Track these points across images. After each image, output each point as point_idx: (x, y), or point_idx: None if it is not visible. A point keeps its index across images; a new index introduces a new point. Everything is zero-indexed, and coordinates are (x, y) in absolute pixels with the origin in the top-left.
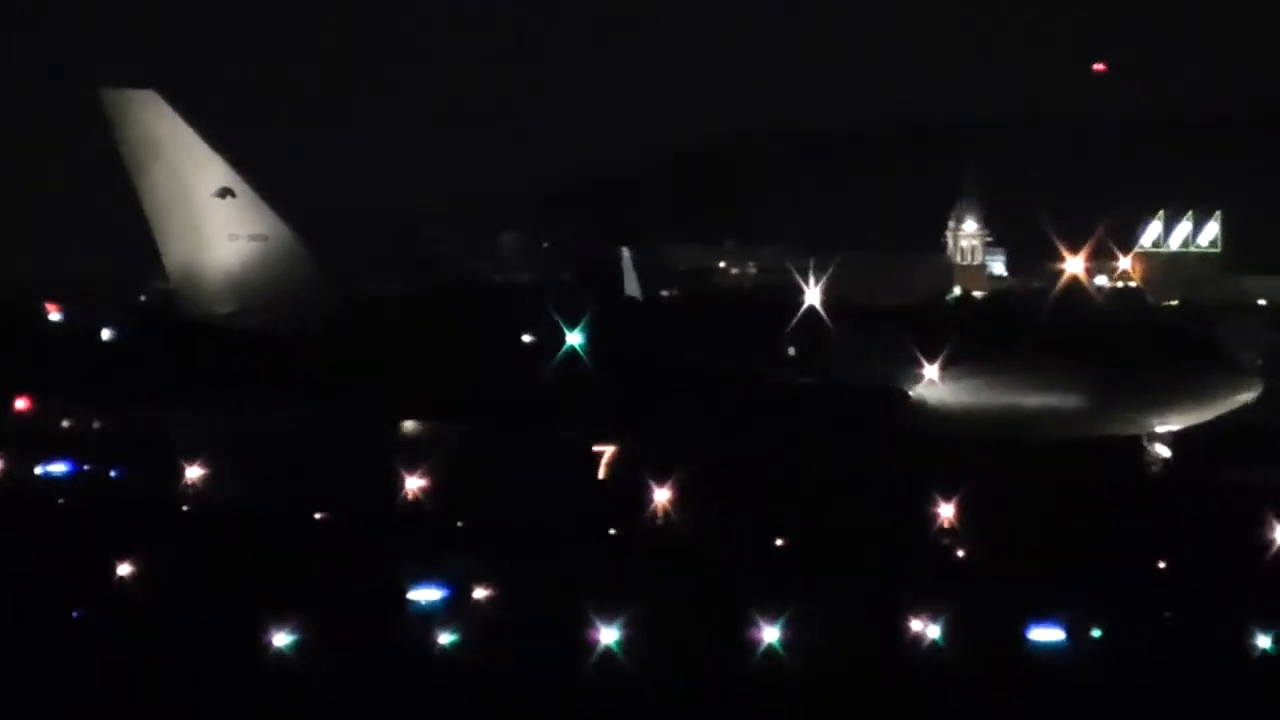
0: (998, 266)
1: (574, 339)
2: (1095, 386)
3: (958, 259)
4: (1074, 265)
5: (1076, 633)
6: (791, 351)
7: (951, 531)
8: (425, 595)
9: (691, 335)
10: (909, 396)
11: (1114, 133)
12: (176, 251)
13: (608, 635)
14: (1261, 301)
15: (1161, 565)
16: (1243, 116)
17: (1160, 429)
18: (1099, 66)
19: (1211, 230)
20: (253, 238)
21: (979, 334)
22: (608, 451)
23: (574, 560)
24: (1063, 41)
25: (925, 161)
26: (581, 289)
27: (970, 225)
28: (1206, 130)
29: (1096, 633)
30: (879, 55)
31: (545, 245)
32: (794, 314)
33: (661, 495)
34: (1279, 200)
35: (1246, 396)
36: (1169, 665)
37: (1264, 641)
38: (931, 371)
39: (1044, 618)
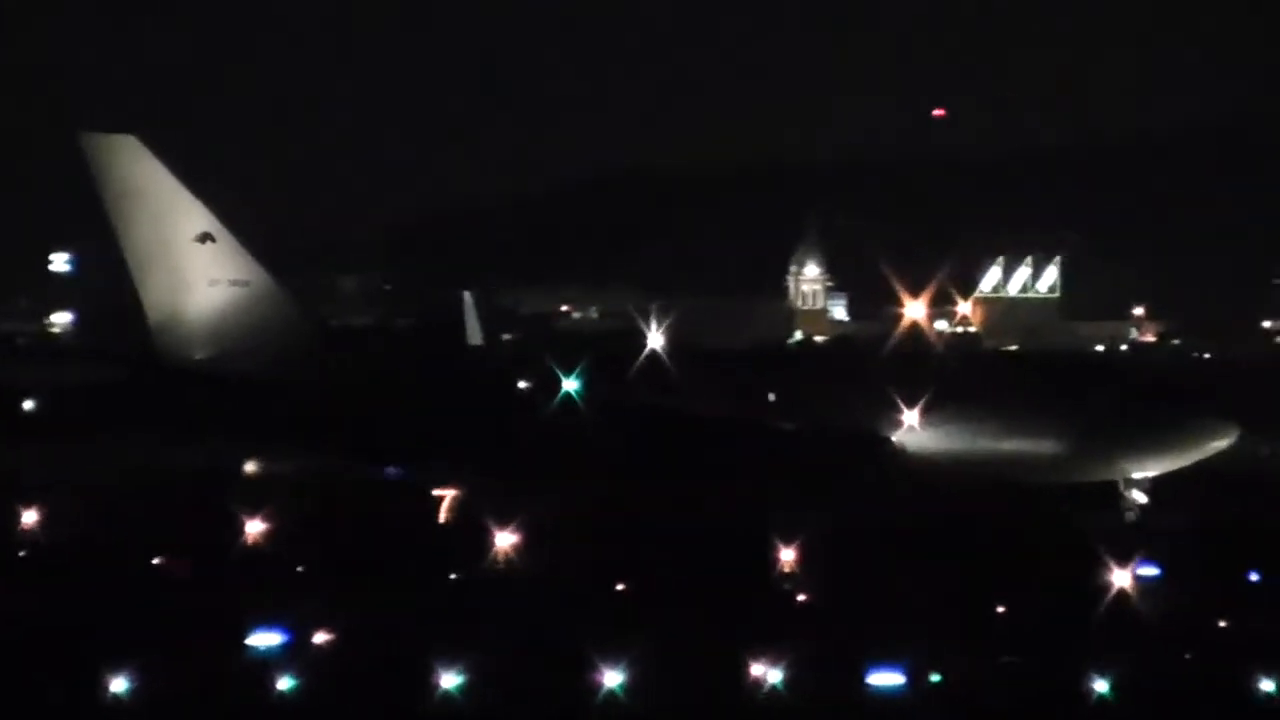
0: (839, 311)
1: (570, 385)
2: (1075, 433)
3: (799, 303)
4: (914, 310)
5: (915, 677)
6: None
7: (795, 576)
8: (264, 639)
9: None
10: (892, 443)
11: (955, 178)
12: (157, 296)
13: (447, 680)
14: (1099, 347)
15: (1002, 609)
16: (1085, 163)
17: (1138, 475)
18: (939, 112)
19: (1050, 275)
20: (233, 283)
21: (960, 381)
22: (449, 495)
23: (415, 603)
24: (909, 88)
25: (769, 205)
26: (422, 334)
27: (811, 270)
28: (1046, 177)
29: (935, 677)
30: (732, 100)
31: (387, 288)
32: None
33: (504, 539)
34: (1115, 247)
35: (1223, 443)
36: (1005, 710)
37: (1101, 686)
38: (912, 418)
39: (884, 662)
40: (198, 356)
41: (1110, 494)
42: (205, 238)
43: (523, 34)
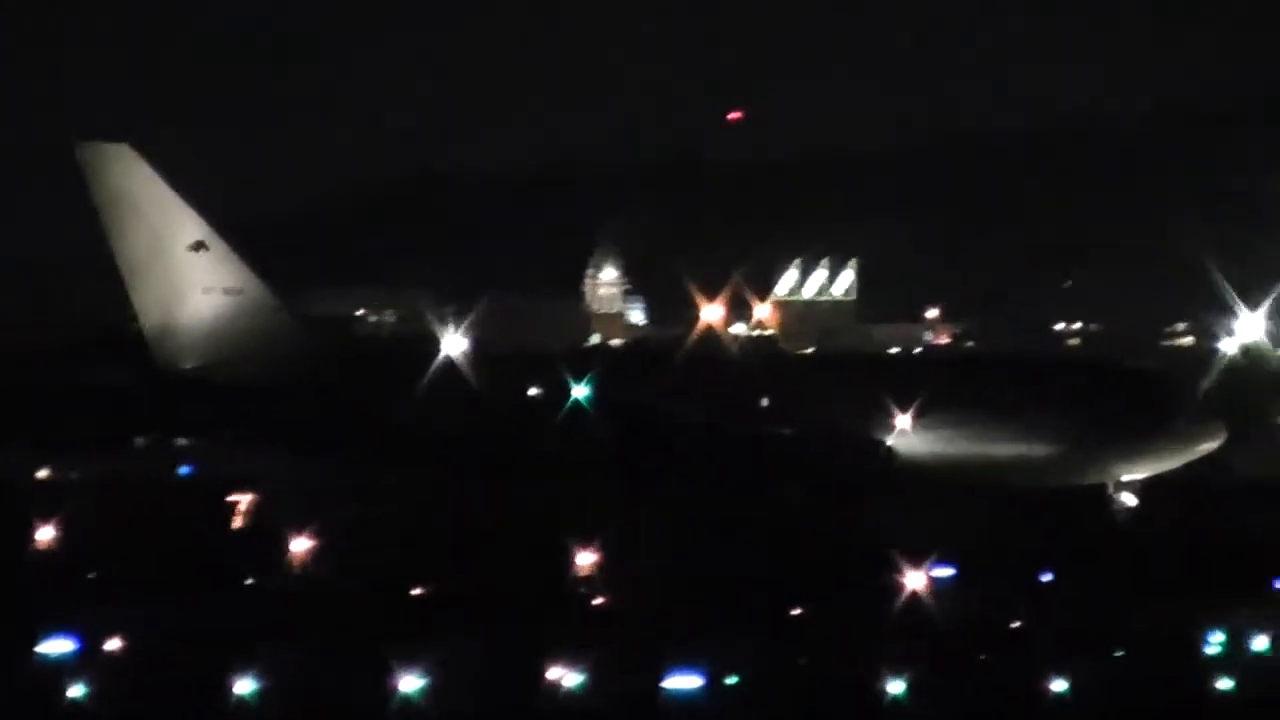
0: (636, 314)
1: (579, 391)
2: (1066, 436)
3: (595, 307)
4: (711, 313)
5: (713, 680)
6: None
7: (592, 580)
8: (55, 647)
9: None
10: (889, 446)
11: (752, 182)
12: (152, 304)
13: (242, 685)
14: (894, 350)
15: (798, 612)
16: (891, 168)
17: (1126, 478)
18: (735, 114)
19: (846, 279)
20: (226, 290)
21: (953, 386)
22: (245, 500)
23: (209, 609)
24: (714, 90)
25: (567, 207)
26: None
27: (608, 273)
28: (849, 181)
29: (732, 680)
30: (537, 100)
31: None
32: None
33: (299, 544)
34: (911, 251)
35: (1211, 445)
36: (802, 711)
37: (896, 688)
38: (905, 422)
39: (683, 665)
40: (191, 363)
41: (1100, 496)
42: (199, 246)
43: (327, 32)
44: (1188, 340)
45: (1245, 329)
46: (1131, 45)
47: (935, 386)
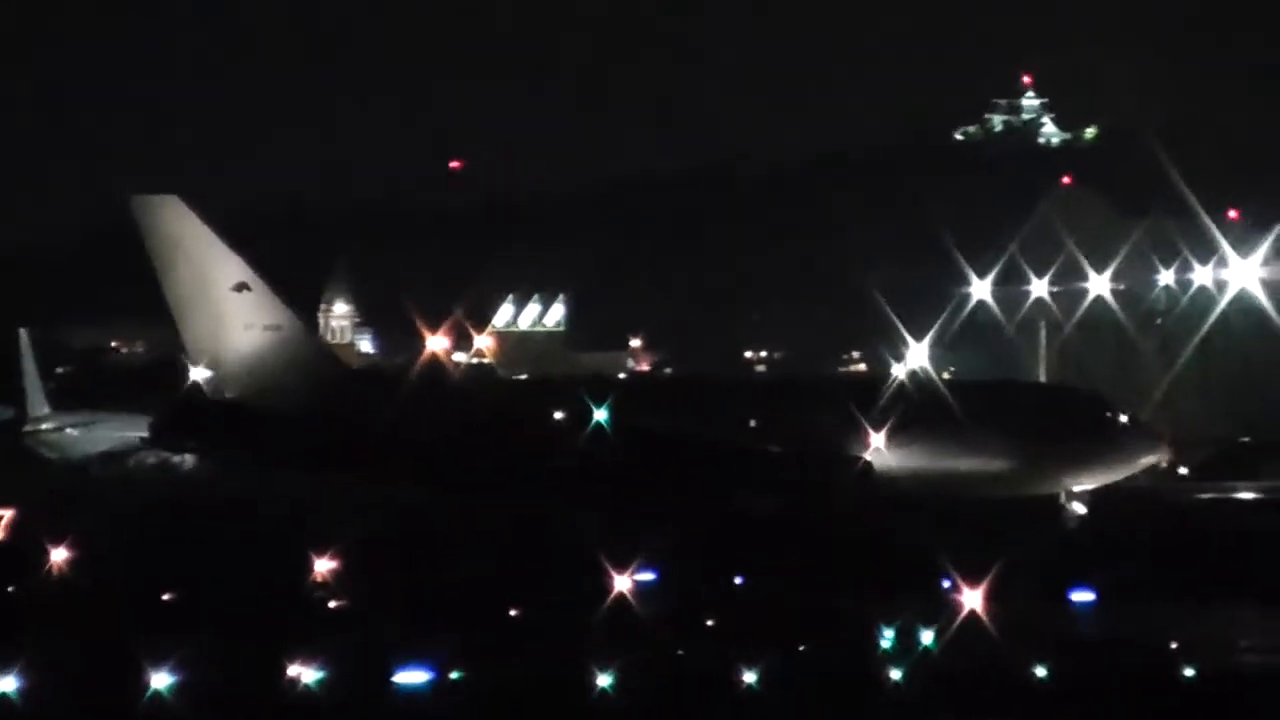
0: (365, 345)
1: (600, 415)
2: (1021, 452)
3: (329, 337)
4: (436, 343)
5: (441, 674)
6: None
7: (328, 583)
8: None
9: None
10: (869, 462)
11: (471, 222)
12: (199, 339)
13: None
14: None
15: (516, 611)
16: (595, 205)
17: (1077, 489)
18: (455, 164)
19: (558, 311)
20: (266, 327)
21: (922, 407)
22: (6, 514)
23: None
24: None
25: (303, 248)
26: None
27: (340, 307)
28: (559, 220)
29: (456, 675)
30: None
31: None
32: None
33: (57, 555)
34: (615, 284)
35: (1154, 458)
36: (518, 703)
37: (604, 680)
38: (880, 440)
39: (415, 660)
40: (234, 393)
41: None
42: (241, 287)
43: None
44: (861, 367)
45: (911, 356)
46: (801, 95)
47: (909, 409)
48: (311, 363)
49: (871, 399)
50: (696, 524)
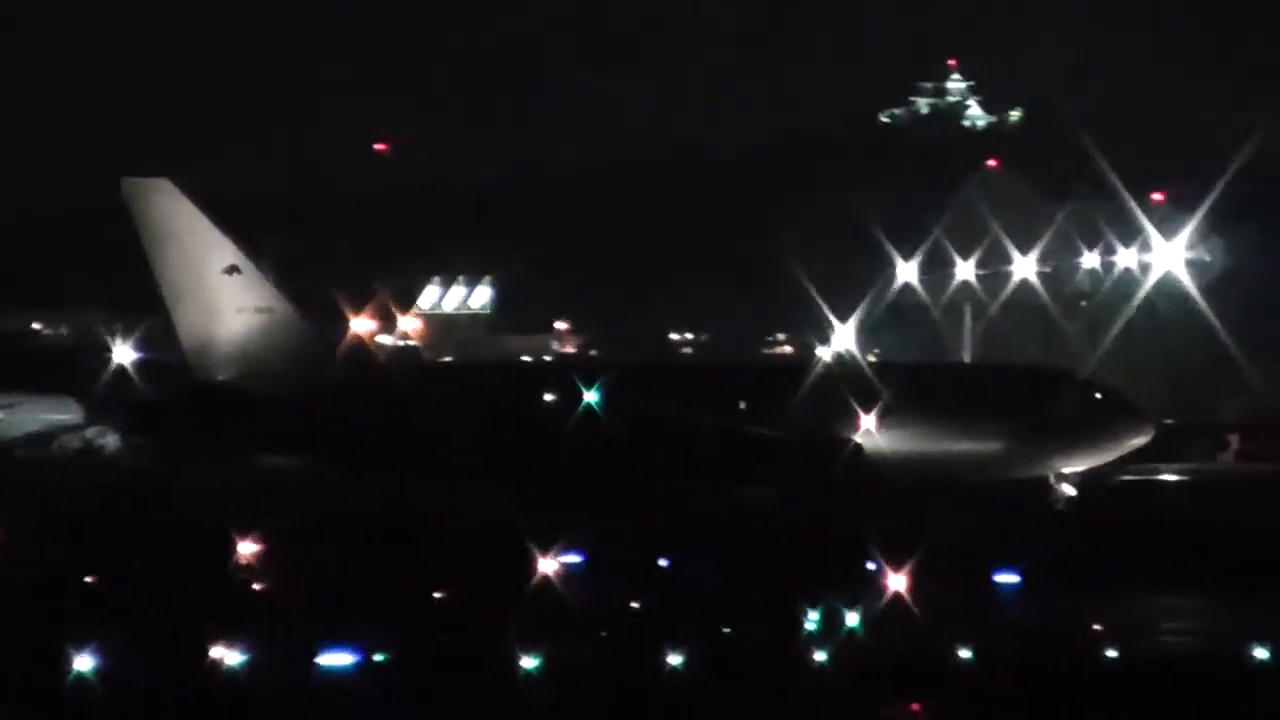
0: None
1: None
2: (1011, 434)
3: None
4: (361, 325)
5: (366, 656)
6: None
7: (252, 567)
8: None
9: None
10: (860, 445)
11: (395, 207)
12: (190, 322)
13: None
14: (526, 358)
15: (441, 595)
16: (520, 195)
17: (1066, 470)
18: (380, 146)
19: (483, 295)
20: (257, 310)
21: (913, 390)
22: None
23: None
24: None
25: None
26: None
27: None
28: (485, 207)
29: (380, 657)
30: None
31: None
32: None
33: None
34: (542, 268)
35: (1142, 439)
36: (445, 684)
37: (530, 662)
38: (871, 423)
39: (337, 643)
40: (225, 375)
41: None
42: (232, 270)
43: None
44: (787, 349)
45: (838, 339)
46: (729, 86)
47: (901, 392)
48: (302, 346)
49: (864, 381)
50: (697, 512)
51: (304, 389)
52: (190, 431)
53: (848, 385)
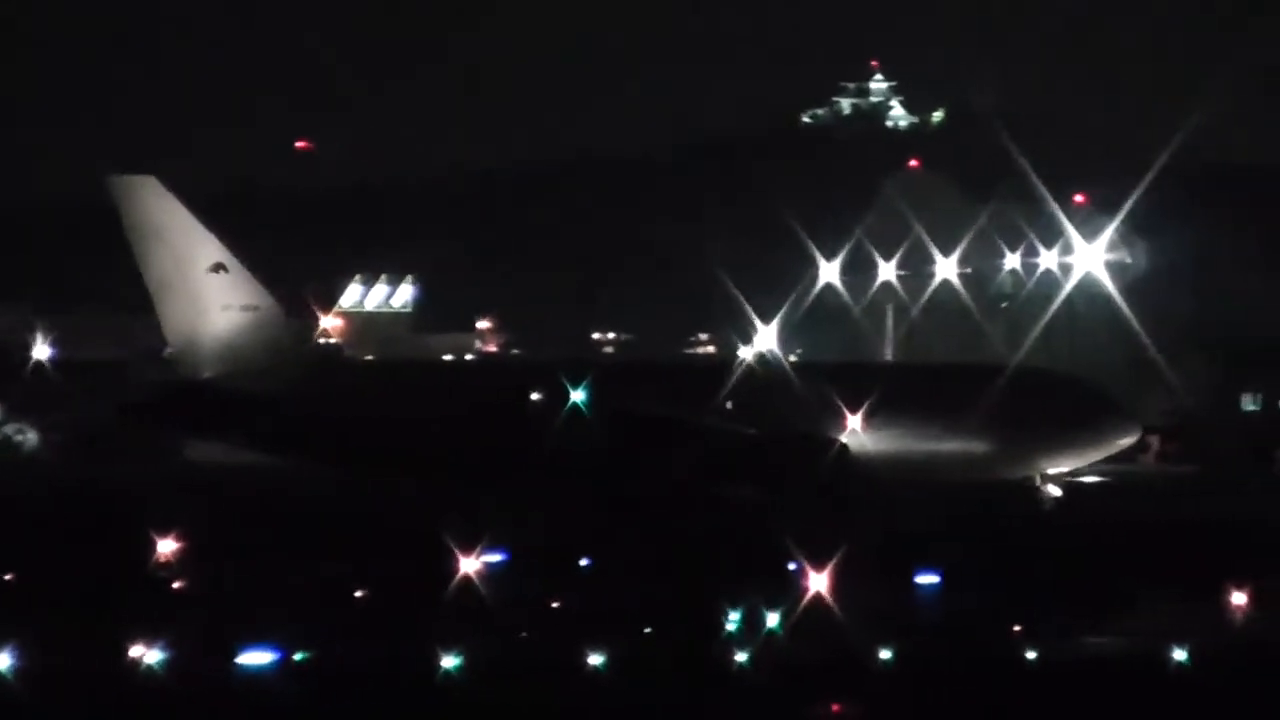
0: None
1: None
2: (999, 435)
3: None
4: None
5: (286, 654)
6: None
7: (171, 565)
8: None
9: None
10: (845, 445)
11: (316, 205)
12: (176, 319)
13: None
14: (448, 356)
15: (363, 594)
16: (445, 194)
17: (1052, 471)
18: (302, 144)
19: (405, 293)
20: (244, 308)
21: (901, 391)
22: None
23: None
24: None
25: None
26: None
27: None
28: (408, 206)
29: (300, 656)
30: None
31: None
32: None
33: None
34: (465, 266)
35: (1128, 440)
36: (362, 682)
37: (450, 661)
38: (857, 423)
39: (259, 641)
40: (211, 373)
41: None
42: (218, 268)
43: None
44: (709, 349)
45: (760, 339)
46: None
47: (888, 392)
48: (287, 343)
49: (852, 383)
50: (680, 512)
51: (289, 387)
52: (176, 429)
53: (834, 385)
